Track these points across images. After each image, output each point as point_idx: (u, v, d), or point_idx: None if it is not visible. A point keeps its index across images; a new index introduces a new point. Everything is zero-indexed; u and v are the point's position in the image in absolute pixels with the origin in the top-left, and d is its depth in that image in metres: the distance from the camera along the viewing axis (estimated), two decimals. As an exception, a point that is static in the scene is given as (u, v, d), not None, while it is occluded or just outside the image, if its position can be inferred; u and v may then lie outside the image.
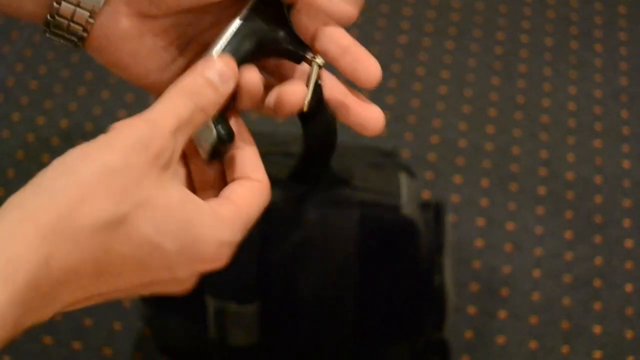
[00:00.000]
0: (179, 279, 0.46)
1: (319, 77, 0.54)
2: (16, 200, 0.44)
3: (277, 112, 0.53)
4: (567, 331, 1.41)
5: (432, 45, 1.75)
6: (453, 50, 1.74)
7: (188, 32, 0.53)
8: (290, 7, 0.53)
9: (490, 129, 1.64)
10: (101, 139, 0.45)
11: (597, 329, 1.41)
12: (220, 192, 0.50)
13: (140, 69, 0.52)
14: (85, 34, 0.51)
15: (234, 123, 0.52)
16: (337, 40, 0.54)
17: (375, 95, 1.67)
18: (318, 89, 0.55)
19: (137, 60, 0.52)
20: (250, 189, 0.50)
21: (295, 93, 0.52)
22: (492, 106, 1.67)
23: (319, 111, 0.56)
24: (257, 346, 1.19)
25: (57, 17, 0.50)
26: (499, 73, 1.72)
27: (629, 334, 1.41)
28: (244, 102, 0.52)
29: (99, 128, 1.62)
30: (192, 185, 0.52)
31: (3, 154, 1.59)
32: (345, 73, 0.55)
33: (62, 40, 0.52)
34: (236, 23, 0.51)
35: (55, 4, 0.50)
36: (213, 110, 0.48)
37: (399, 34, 1.76)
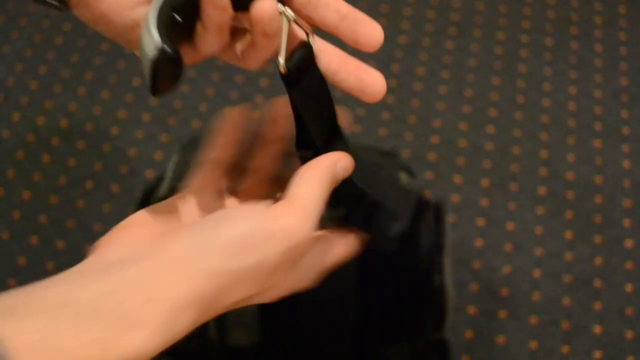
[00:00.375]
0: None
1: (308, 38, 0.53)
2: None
3: (245, 61, 0.52)
4: (567, 331, 1.41)
5: (432, 45, 1.75)
6: (453, 50, 1.74)
7: None
8: None
9: (490, 129, 1.64)
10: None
11: (597, 329, 1.41)
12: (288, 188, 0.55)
13: (123, 22, 0.51)
14: None
15: None
16: (335, 7, 0.54)
17: (375, 95, 1.67)
18: (307, 51, 0.53)
19: (121, 11, 0.51)
20: (309, 180, 0.54)
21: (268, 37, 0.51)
22: (492, 106, 1.67)
23: (305, 76, 0.54)
24: (257, 346, 1.19)
25: None
26: (499, 73, 1.72)
27: (629, 334, 1.41)
28: (209, 18, 0.50)
29: (99, 128, 1.62)
30: None
31: (3, 154, 1.59)
32: (347, 38, 0.54)
33: (47, 0, 0.52)
34: None
35: None
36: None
37: (399, 34, 1.76)
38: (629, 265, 1.48)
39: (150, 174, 1.57)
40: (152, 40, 0.47)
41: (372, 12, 1.79)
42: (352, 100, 1.77)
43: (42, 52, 1.72)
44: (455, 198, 1.55)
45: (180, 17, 0.49)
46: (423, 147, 1.61)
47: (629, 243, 1.50)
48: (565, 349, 1.40)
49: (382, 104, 1.66)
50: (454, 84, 1.69)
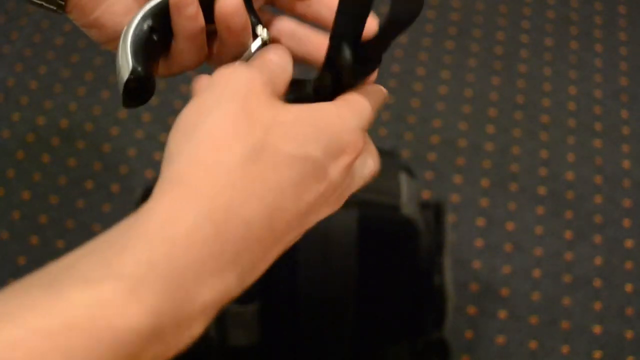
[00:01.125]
0: (335, 181, 0.46)
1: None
2: (158, 181, 0.43)
3: (217, 61, 0.53)
4: (567, 331, 1.41)
5: (432, 45, 1.75)
6: (453, 50, 1.74)
7: None
8: None
9: (490, 129, 1.64)
10: (205, 95, 0.46)
11: (597, 329, 1.41)
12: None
13: (116, 28, 0.52)
14: None
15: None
16: (328, 4, 0.54)
17: (375, 95, 1.67)
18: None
19: (114, 17, 0.52)
20: (359, 90, 0.52)
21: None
22: (492, 106, 1.67)
23: None
24: (257, 346, 1.19)
25: None
26: (499, 73, 1.72)
27: (629, 334, 1.41)
28: (180, 29, 0.51)
29: (99, 128, 1.62)
30: None
31: (3, 154, 1.59)
32: None
33: (43, 3, 0.52)
34: None
35: None
36: (283, 71, 0.49)
37: (399, 34, 1.76)
38: (629, 265, 1.48)
39: (150, 174, 1.57)
40: (125, 61, 0.49)
41: (372, 12, 1.79)
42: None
43: (42, 52, 1.72)
44: (455, 198, 1.55)
45: (156, 36, 0.50)
46: (423, 147, 1.61)
47: (629, 243, 1.50)
48: (565, 349, 1.40)
49: (382, 104, 1.66)
50: (454, 84, 1.70)
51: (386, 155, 1.25)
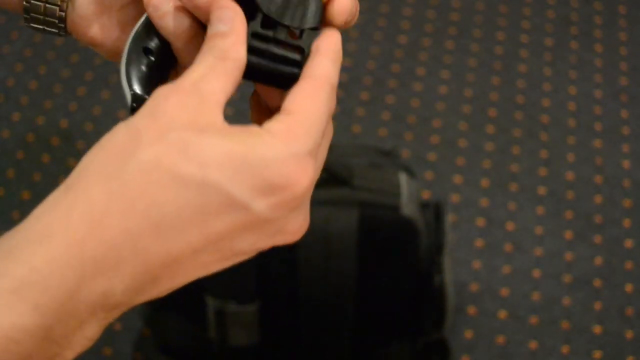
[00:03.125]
0: (268, 217, 0.41)
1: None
2: (67, 181, 0.44)
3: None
4: (567, 331, 1.41)
5: (432, 45, 1.75)
6: (453, 50, 1.74)
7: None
8: None
9: (490, 129, 1.64)
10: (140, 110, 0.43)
11: (597, 329, 1.41)
12: (282, 105, 0.44)
13: (116, 43, 0.52)
14: (63, 13, 0.52)
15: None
16: None
17: (375, 95, 1.67)
18: None
19: (111, 35, 0.52)
20: (304, 89, 0.44)
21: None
22: (492, 106, 1.67)
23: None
24: (257, 346, 1.19)
25: (32, 1, 0.52)
26: (499, 73, 1.72)
27: (629, 334, 1.41)
28: (181, 52, 0.50)
29: (99, 128, 1.62)
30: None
31: (3, 154, 1.59)
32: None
33: (44, 27, 0.53)
34: None
35: None
36: (236, 51, 0.44)
37: (399, 34, 1.76)
38: (629, 265, 1.48)
39: (150, 174, 1.57)
40: (126, 87, 0.48)
41: (372, 12, 1.79)
42: (353, 100, 1.78)
43: (42, 52, 1.72)
44: (455, 198, 1.55)
45: (153, 55, 0.49)
46: (423, 147, 1.61)
47: (629, 243, 1.50)
48: (565, 349, 1.40)
49: (382, 104, 1.66)
50: (454, 84, 1.70)
51: (386, 155, 1.25)
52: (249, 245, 0.42)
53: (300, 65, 0.47)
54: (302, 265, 1.12)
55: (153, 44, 0.49)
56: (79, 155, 1.58)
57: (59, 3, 0.52)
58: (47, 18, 0.52)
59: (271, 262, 1.12)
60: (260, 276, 1.13)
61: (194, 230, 0.40)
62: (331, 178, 1.13)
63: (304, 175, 0.41)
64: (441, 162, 1.59)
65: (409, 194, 1.14)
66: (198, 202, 0.40)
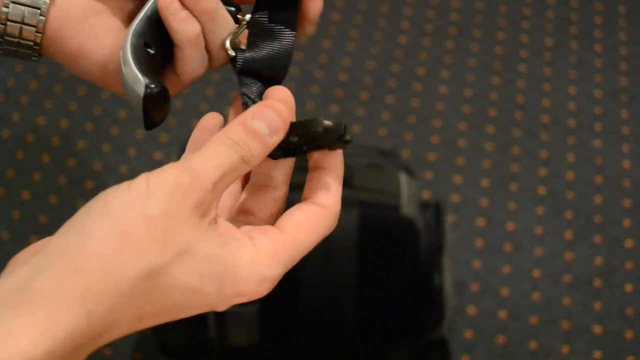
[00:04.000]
0: (215, 309, 0.46)
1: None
2: (60, 249, 0.43)
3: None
4: (567, 331, 1.41)
5: (432, 45, 1.75)
6: (453, 50, 1.74)
7: (132, 14, 0.52)
8: None
9: (490, 129, 1.64)
10: (142, 184, 0.43)
11: (597, 329, 1.41)
12: (279, 218, 0.47)
13: (101, 53, 0.52)
14: (43, 18, 0.50)
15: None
16: None
17: (375, 95, 1.67)
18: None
19: (99, 41, 0.51)
20: (309, 215, 0.47)
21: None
22: (492, 106, 1.67)
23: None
24: (257, 346, 1.19)
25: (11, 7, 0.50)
26: (499, 73, 1.72)
27: (629, 334, 1.41)
28: (189, 57, 0.51)
29: (99, 128, 1.62)
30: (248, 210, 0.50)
31: (3, 154, 1.59)
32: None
33: (18, 49, 0.51)
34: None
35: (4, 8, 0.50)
36: (259, 161, 0.46)
37: (399, 34, 1.76)
38: (629, 265, 1.48)
39: (150, 174, 1.56)
40: (136, 79, 0.48)
41: (372, 12, 1.79)
42: (352, 100, 1.78)
43: (42, 52, 1.72)
44: (455, 198, 1.55)
45: (152, 50, 0.50)
46: (423, 147, 1.61)
47: (629, 243, 1.50)
48: (565, 349, 1.40)
49: (382, 104, 1.66)
50: (454, 84, 1.70)
51: (386, 155, 1.25)
52: (188, 315, 0.46)
53: (301, 151, 0.48)
54: (302, 265, 1.12)
55: (151, 37, 0.50)
56: (79, 155, 1.58)
57: (35, 24, 0.50)
58: (22, 41, 0.51)
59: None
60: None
61: (166, 317, 0.45)
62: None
63: (265, 292, 0.46)
64: (441, 162, 1.59)
65: (409, 194, 1.14)
66: (184, 302, 0.44)
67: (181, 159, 0.46)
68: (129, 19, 0.52)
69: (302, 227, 0.46)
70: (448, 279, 1.22)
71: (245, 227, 0.47)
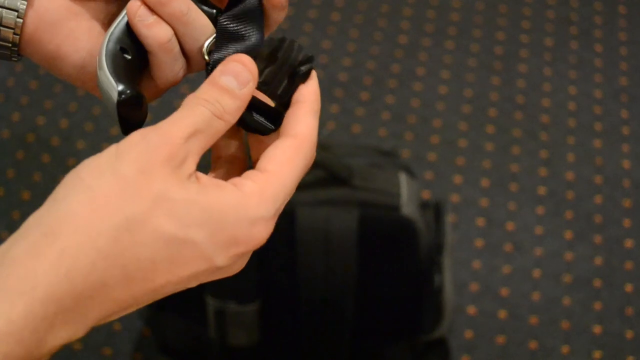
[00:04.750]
0: (222, 266, 0.44)
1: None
2: (35, 218, 0.43)
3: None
4: (567, 331, 1.41)
5: (432, 45, 1.75)
6: (453, 50, 1.74)
7: (112, 17, 0.52)
8: None
9: (490, 129, 1.64)
10: (112, 150, 0.44)
11: (597, 329, 1.41)
12: (258, 161, 0.47)
13: (79, 56, 0.51)
14: (20, 20, 0.50)
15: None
16: None
17: (375, 95, 1.67)
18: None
19: (76, 44, 0.51)
20: (285, 148, 0.46)
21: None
22: (492, 106, 1.67)
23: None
24: (257, 346, 1.19)
25: None
26: (499, 73, 1.72)
27: (629, 334, 1.41)
28: (162, 63, 0.50)
29: (99, 128, 1.62)
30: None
31: (3, 154, 1.59)
32: None
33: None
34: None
35: None
36: (234, 116, 0.46)
37: (399, 34, 1.76)
38: (629, 265, 1.48)
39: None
40: (110, 85, 0.49)
41: (372, 12, 1.79)
42: (352, 100, 1.77)
43: (42, 52, 1.72)
44: (455, 198, 1.55)
45: (129, 55, 0.50)
46: (423, 147, 1.61)
47: (629, 243, 1.50)
48: (565, 349, 1.40)
49: (382, 104, 1.66)
50: (454, 84, 1.70)
51: (386, 155, 1.25)
52: (196, 282, 0.45)
53: (279, 118, 0.48)
54: (302, 265, 1.12)
55: (128, 43, 0.50)
56: (79, 155, 1.58)
57: (12, 26, 0.50)
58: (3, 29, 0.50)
59: (271, 262, 1.12)
60: (260, 276, 1.13)
61: (161, 278, 0.43)
62: (331, 178, 1.13)
63: (265, 234, 0.45)
64: (441, 162, 1.59)
65: (409, 194, 1.14)
66: (173, 255, 0.43)
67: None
68: (108, 22, 0.52)
69: (281, 162, 0.46)
70: (448, 279, 1.22)
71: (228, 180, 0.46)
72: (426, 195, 1.54)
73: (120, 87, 0.48)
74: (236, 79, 0.46)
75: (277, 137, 0.47)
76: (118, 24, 0.50)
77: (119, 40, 0.50)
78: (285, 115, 0.48)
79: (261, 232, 0.44)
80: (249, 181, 0.45)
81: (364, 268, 1.13)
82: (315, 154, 0.48)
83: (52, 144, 1.60)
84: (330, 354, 1.21)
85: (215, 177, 0.49)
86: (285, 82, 0.48)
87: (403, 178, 1.16)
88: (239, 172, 0.48)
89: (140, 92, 0.49)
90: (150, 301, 0.44)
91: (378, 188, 1.14)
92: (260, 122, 0.48)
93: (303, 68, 0.48)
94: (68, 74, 0.52)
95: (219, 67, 0.47)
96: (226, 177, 0.49)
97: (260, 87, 0.48)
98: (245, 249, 0.44)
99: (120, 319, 1.40)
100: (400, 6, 1.80)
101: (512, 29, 1.78)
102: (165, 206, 0.42)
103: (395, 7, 1.80)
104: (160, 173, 0.43)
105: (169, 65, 0.50)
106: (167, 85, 0.52)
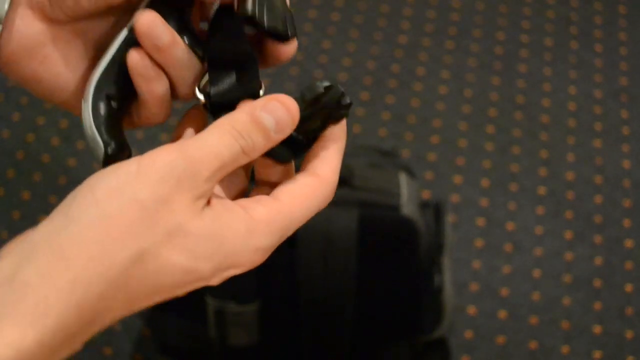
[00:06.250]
0: (213, 283, 0.45)
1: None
2: (45, 234, 0.42)
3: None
4: (567, 331, 1.41)
5: (432, 45, 1.75)
6: (453, 50, 1.74)
7: (101, 39, 0.50)
8: (190, 5, 0.50)
9: (490, 129, 1.64)
10: (133, 169, 0.42)
11: (597, 329, 1.41)
12: (274, 190, 0.46)
13: (56, 80, 0.50)
14: None
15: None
16: None
17: (375, 95, 1.67)
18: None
19: (52, 69, 0.49)
20: (304, 185, 0.46)
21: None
22: (492, 106, 1.67)
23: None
24: (257, 346, 1.19)
25: None
26: (499, 73, 1.72)
27: (629, 334, 1.41)
28: (152, 113, 0.49)
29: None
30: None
31: (3, 154, 1.59)
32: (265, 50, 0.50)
33: None
34: (127, 29, 0.48)
35: None
36: (260, 154, 0.45)
37: (399, 34, 1.76)
38: (629, 265, 1.48)
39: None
40: (95, 139, 0.47)
41: (372, 12, 1.79)
42: (353, 100, 1.77)
43: (42, 52, 1.72)
44: (455, 198, 1.55)
45: (115, 103, 0.48)
46: (423, 147, 1.61)
47: (629, 243, 1.50)
48: (565, 349, 1.40)
49: (382, 104, 1.66)
50: (454, 84, 1.70)
51: (386, 155, 1.25)
52: (185, 292, 0.45)
53: (302, 151, 0.47)
54: (302, 265, 1.12)
55: (114, 90, 0.48)
56: (79, 155, 1.58)
57: None
58: None
59: (271, 262, 1.12)
60: (260, 276, 1.13)
61: (160, 298, 0.43)
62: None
63: (261, 261, 0.45)
64: (441, 162, 1.59)
65: (409, 194, 1.14)
66: (176, 281, 0.43)
67: (177, 142, 0.44)
68: (90, 44, 0.50)
69: (297, 196, 0.45)
70: (448, 279, 1.22)
71: (239, 200, 0.45)
72: (426, 195, 1.54)
73: (106, 144, 0.47)
74: (276, 121, 0.45)
75: (290, 166, 0.47)
76: (106, 66, 0.48)
77: (106, 85, 0.48)
78: (313, 151, 0.47)
79: (257, 260, 0.45)
80: (259, 206, 0.44)
81: (364, 268, 1.13)
82: (333, 195, 0.47)
83: (52, 144, 1.60)
84: (330, 354, 1.21)
85: None
86: (318, 122, 0.47)
87: (403, 178, 1.16)
88: (238, 186, 0.48)
89: (125, 141, 0.48)
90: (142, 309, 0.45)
91: (378, 188, 1.14)
92: (282, 150, 0.47)
93: (340, 113, 0.47)
94: (44, 96, 0.50)
95: (262, 102, 0.45)
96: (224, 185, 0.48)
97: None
98: (239, 271, 0.45)
99: (120, 319, 1.39)
100: (400, 6, 1.80)
101: (512, 29, 1.78)
102: (180, 240, 0.42)
103: (395, 7, 1.80)
104: (180, 205, 0.42)
105: (158, 113, 0.49)
106: (151, 125, 0.51)
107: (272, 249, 0.45)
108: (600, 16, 1.81)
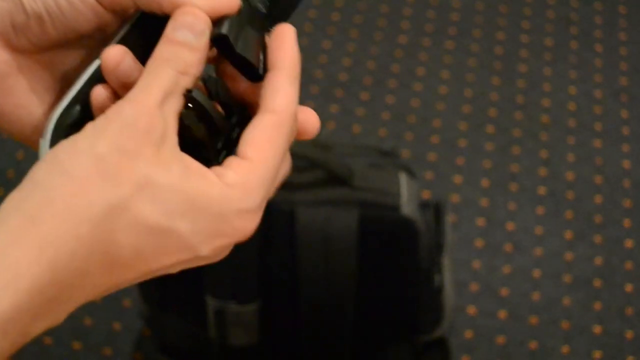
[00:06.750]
0: (206, 256, 0.43)
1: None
2: (14, 202, 0.41)
3: None
4: (567, 331, 1.41)
5: (432, 45, 1.75)
6: (453, 50, 1.74)
7: (70, 71, 0.49)
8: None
9: (490, 129, 1.64)
10: (89, 128, 0.42)
11: (597, 329, 1.41)
12: (239, 144, 0.44)
13: (18, 113, 0.48)
14: None
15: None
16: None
17: (375, 95, 1.67)
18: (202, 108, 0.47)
19: (15, 101, 0.47)
20: (265, 128, 0.44)
21: None
22: (492, 106, 1.67)
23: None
24: (257, 346, 1.19)
25: None
26: (499, 73, 1.72)
27: (629, 334, 1.41)
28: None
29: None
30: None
31: (3, 154, 1.59)
32: None
33: None
34: (96, 62, 0.46)
35: None
36: (198, 68, 0.44)
37: (399, 34, 1.76)
38: (629, 265, 1.48)
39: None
40: None
41: (372, 12, 1.79)
42: (352, 99, 1.77)
43: (42, 52, 1.72)
44: (455, 198, 1.55)
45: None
46: (423, 147, 1.61)
47: (629, 243, 1.50)
48: (565, 349, 1.40)
49: (382, 104, 1.66)
50: (454, 84, 1.70)
51: (386, 155, 1.25)
52: (178, 269, 0.44)
53: (252, 53, 0.46)
54: (302, 265, 1.12)
55: (76, 128, 0.45)
56: (79, 155, 1.58)
57: None
58: None
59: (271, 262, 1.12)
60: (261, 276, 1.13)
61: (144, 265, 0.42)
62: (331, 178, 1.13)
63: (252, 225, 0.43)
64: (441, 162, 1.59)
65: (409, 194, 1.14)
66: (157, 244, 0.42)
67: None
68: (58, 75, 0.49)
69: (262, 145, 0.44)
70: (448, 279, 1.22)
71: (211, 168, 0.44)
72: (426, 195, 1.54)
73: None
74: (191, 31, 0.44)
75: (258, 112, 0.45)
76: (70, 101, 0.46)
77: (68, 121, 0.46)
78: (263, 85, 0.46)
79: (247, 224, 0.43)
80: (230, 172, 0.43)
81: (364, 268, 1.13)
82: (297, 126, 0.46)
83: (52, 144, 1.60)
84: (330, 354, 1.21)
85: None
86: (253, 32, 0.46)
87: (403, 178, 1.16)
88: None
89: None
90: (132, 284, 0.43)
91: (378, 188, 1.14)
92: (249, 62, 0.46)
93: (261, 23, 0.46)
94: (3, 129, 0.49)
95: (170, 24, 0.45)
96: None
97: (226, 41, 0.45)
98: (231, 241, 0.43)
99: (121, 319, 1.40)
100: (400, 6, 1.80)
101: (512, 29, 1.78)
102: (149, 192, 0.41)
103: (395, 7, 1.80)
104: (142, 153, 0.41)
105: None
106: None
107: (259, 208, 0.44)
108: (600, 16, 1.81)
